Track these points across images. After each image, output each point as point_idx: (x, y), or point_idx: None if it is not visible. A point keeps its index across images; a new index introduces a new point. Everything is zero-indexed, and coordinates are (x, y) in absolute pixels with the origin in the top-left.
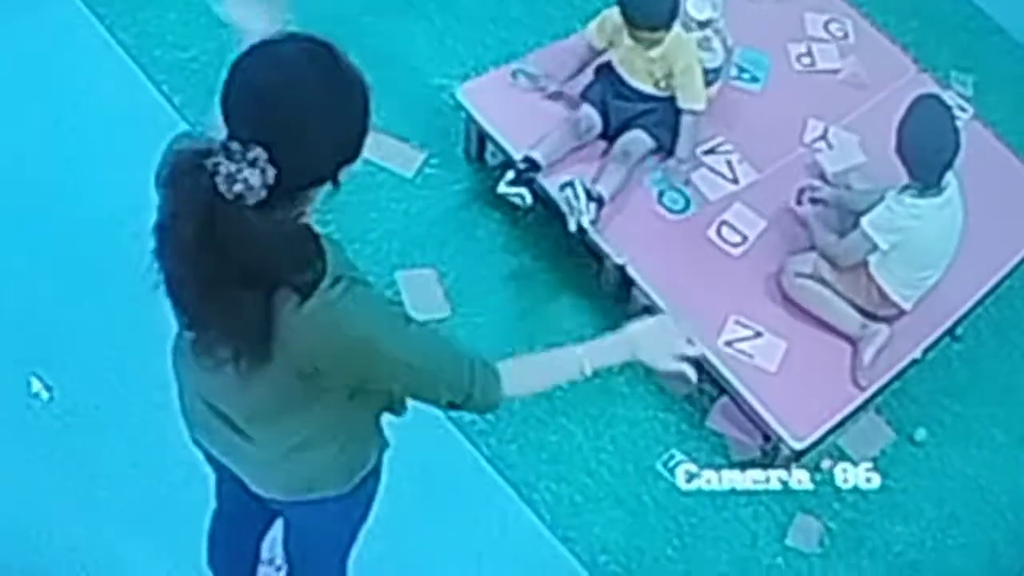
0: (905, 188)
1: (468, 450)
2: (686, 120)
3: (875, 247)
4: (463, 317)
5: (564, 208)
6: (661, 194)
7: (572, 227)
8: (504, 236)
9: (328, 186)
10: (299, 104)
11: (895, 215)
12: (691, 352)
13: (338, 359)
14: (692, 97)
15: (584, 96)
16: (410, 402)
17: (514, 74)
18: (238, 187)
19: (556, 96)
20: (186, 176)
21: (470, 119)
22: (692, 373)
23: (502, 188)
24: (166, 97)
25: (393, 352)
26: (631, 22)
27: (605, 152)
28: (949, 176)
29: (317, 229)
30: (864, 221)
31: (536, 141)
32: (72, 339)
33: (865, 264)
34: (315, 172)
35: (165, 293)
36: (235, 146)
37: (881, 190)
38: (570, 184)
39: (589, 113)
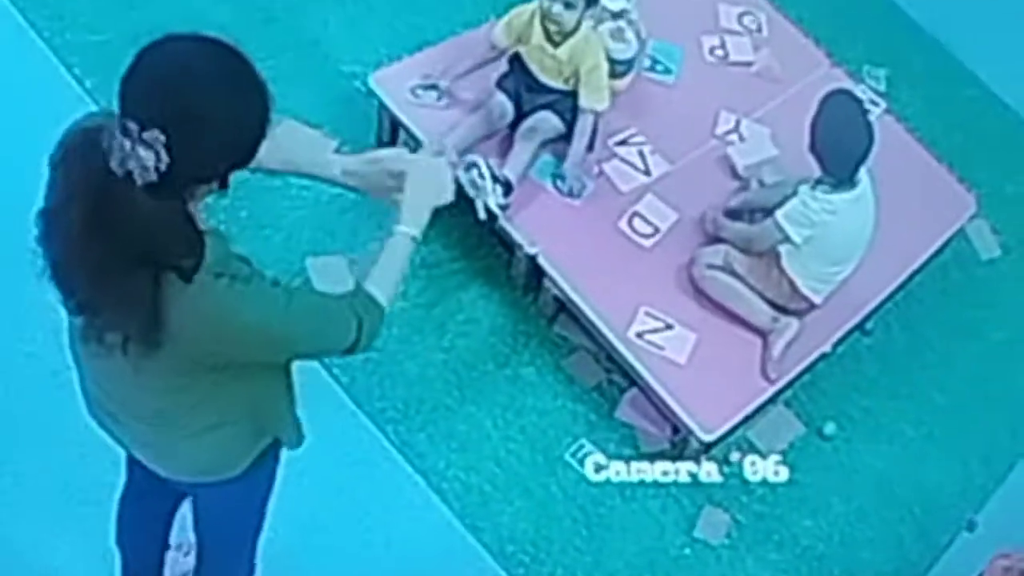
0: (818, 183)
1: (377, 438)
2: (583, 120)
3: (787, 238)
4: None
5: (470, 191)
6: (555, 178)
7: (481, 213)
8: None
9: (215, 186)
10: (201, 97)
11: (809, 209)
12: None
13: (229, 343)
14: (596, 97)
15: (499, 85)
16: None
17: (413, 92)
18: (131, 164)
19: (457, 100)
20: (78, 154)
21: (382, 107)
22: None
23: None
24: (78, 80)
25: (281, 331)
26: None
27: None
28: (862, 171)
29: (202, 222)
30: (779, 213)
31: (448, 128)
32: None
33: (776, 257)
34: (206, 167)
35: (51, 280)
36: (132, 125)
37: (793, 183)
38: (474, 164)
39: (502, 101)
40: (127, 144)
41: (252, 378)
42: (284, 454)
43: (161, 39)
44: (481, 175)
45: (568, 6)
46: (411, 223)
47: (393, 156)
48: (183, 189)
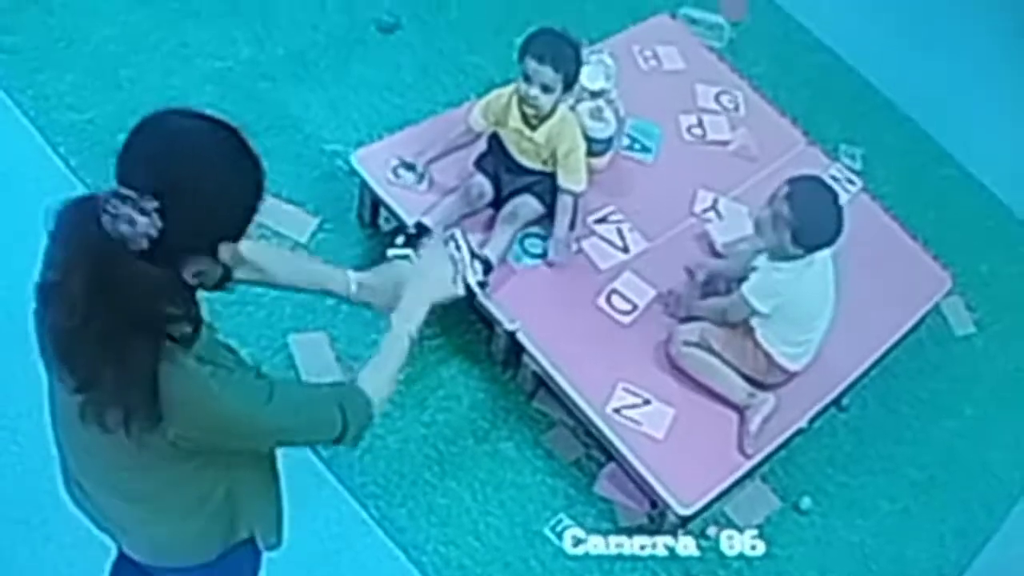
0: (773, 255)
1: (357, 511)
2: (563, 200)
3: (756, 311)
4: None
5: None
6: (539, 257)
7: (459, 290)
8: None
9: (207, 259)
10: (195, 170)
11: (772, 280)
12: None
13: (209, 429)
14: (573, 179)
15: (477, 165)
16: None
17: (395, 172)
18: (123, 227)
19: (435, 181)
20: (74, 223)
21: (364, 185)
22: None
23: (391, 252)
24: (63, 159)
25: (263, 421)
26: (536, 56)
27: (494, 220)
28: None
29: (196, 293)
30: (744, 288)
31: (428, 207)
32: None
33: (751, 330)
34: (197, 238)
35: (49, 357)
36: (127, 191)
37: (750, 250)
38: (452, 237)
39: (480, 181)
40: (121, 208)
41: (235, 467)
42: None
43: (160, 112)
44: (458, 247)
45: (546, 90)
46: (409, 318)
47: (403, 266)
48: (176, 258)
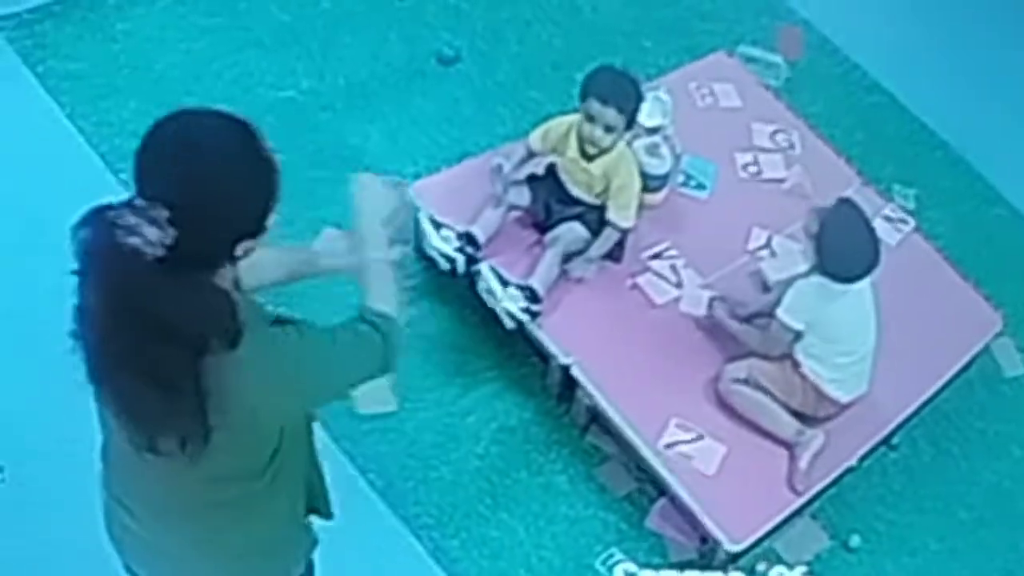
0: (811, 271)
1: (411, 543)
2: (608, 232)
3: (796, 335)
4: (408, 412)
5: (488, 301)
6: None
7: (506, 321)
8: (452, 334)
9: (241, 253)
10: (206, 169)
11: (803, 295)
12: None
13: (295, 392)
14: (622, 215)
15: (528, 182)
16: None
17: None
18: (135, 240)
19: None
20: (93, 240)
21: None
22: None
23: (436, 242)
24: (125, 186)
25: (337, 366)
26: (596, 94)
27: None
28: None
29: (232, 291)
30: (779, 310)
31: (471, 218)
32: (23, 419)
33: (796, 365)
34: (213, 240)
35: (93, 386)
36: (139, 202)
37: (790, 280)
38: (478, 273)
39: (521, 190)
40: (132, 219)
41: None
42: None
43: (172, 114)
44: (488, 282)
45: (608, 130)
46: (374, 247)
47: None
48: (197, 262)
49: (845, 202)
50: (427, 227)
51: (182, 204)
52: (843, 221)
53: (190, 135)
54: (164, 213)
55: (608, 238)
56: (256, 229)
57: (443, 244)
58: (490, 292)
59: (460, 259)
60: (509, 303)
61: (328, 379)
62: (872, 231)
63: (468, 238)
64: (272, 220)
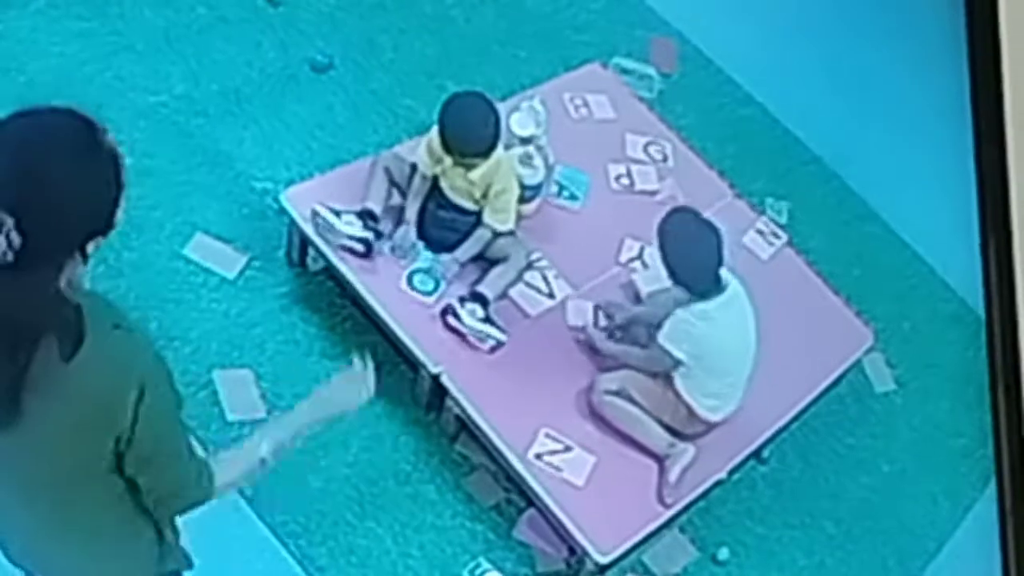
0: (689, 300)
1: (278, 550)
2: (481, 232)
3: (674, 359)
4: None
5: (332, 240)
6: (412, 275)
7: (359, 249)
8: (322, 341)
9: (79, 259)
10: (48, 173)
11: (685, 323)
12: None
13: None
14: (500, 218)
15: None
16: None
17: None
18: None
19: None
20: None
21: (293, 224)
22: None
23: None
24: None
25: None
26: (454, 151)
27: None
28: (726, 275)
29: (73, 295)
30: (660, 336)
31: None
32: None
33: (670, 381)
34: (60, 241)
35: None
36: None
37: (667, 299)
38: (315, 213)
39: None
40: None
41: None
42: None
43: (7, 117)
44: (324, 219)
45: (475, 167)
46: (271, 436)
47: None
48: (46, 263)
49: (677, 210)
50: (329, 217)
51: (25, 209)
52: (679, 228)
53: (26, 136)
54: (9, 220)
55: (479, 240)
56: (105, 226)
57: (350, 228)
58: (329, 229)
59: (370, 236)
60: (349, 228)
61: (165, 395)
62: (714, 229)
63: (368, 214)
64: (120, 216)
